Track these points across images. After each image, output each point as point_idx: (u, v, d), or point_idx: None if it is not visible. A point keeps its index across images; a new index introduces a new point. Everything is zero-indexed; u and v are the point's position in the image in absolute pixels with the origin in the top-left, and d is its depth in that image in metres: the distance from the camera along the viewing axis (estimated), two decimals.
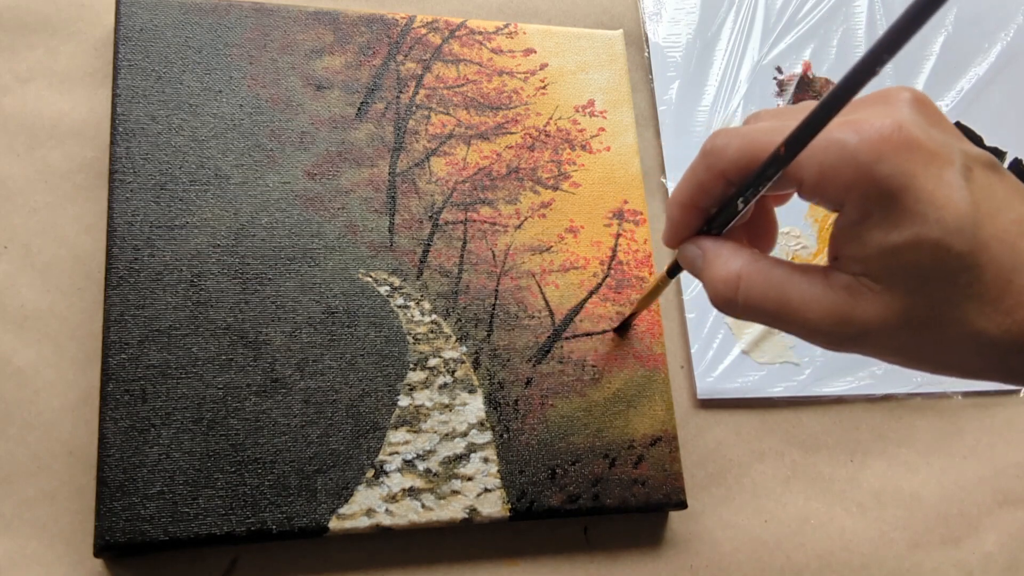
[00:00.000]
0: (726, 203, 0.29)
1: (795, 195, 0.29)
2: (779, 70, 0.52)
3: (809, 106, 0.27)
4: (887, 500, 0.45)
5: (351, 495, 0.36)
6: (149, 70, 0.40)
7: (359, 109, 0.42)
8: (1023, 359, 0.25)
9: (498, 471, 0.38)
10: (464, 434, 0.38)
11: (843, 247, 0.26)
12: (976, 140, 0.55)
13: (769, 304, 0.27)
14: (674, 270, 0.35)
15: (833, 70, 0.54)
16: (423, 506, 0.37)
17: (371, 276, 0.40)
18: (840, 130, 0.25)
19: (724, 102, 0.51)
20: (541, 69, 0.46)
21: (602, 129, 0.46)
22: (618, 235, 0.44)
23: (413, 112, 0.43)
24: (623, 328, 0.42)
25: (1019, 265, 0.25)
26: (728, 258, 0.28)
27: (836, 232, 0.27)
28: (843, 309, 0.26)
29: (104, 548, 0.33)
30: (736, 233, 0.31)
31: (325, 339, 0.38)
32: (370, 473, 0.37)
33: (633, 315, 0.42)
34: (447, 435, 0.38)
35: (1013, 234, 0.25)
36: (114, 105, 0.39)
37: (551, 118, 0.45)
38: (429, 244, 0.41)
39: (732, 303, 0.28)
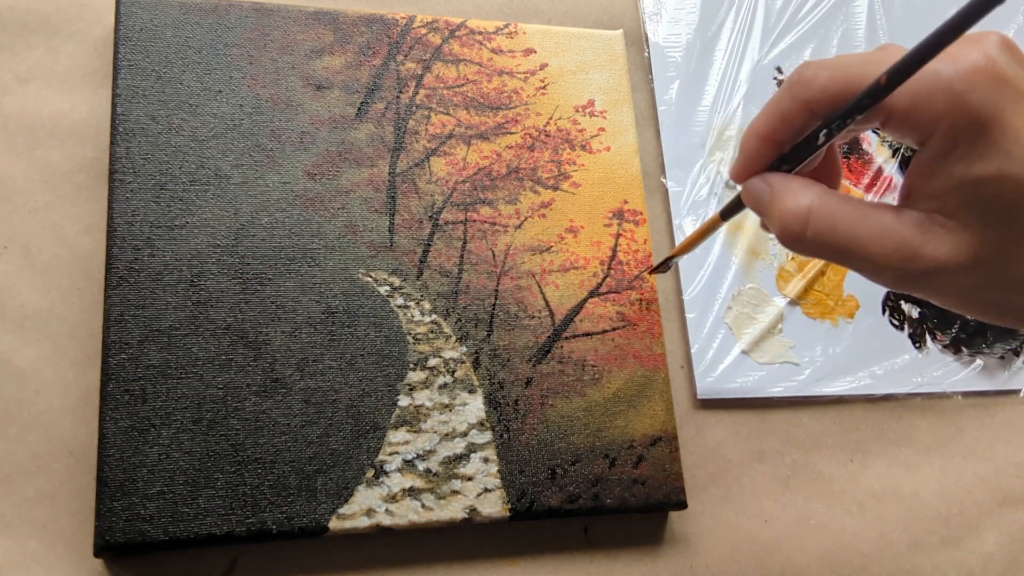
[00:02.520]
0: (805, 139, 0.28)
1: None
2: (779, 70, 0.52)
3: (890, 51, 0.27)
4: (887, 500, 0.45)
5: (351, 495, 0.36)
6: (149, 70, 0.40)
7: (359, 109, 0.42)
8: None
9: (498, 471, 0.38)
10: (464, 434, 0.38)
11: (920, 183, 0.26)
12: None
13: (838, 239, 0.27)
14: (730, 212, 0.34)
15: None
16: (423, 506, 0.37)
17: (371, 276, 0.40)
18: (933, 61, 0.25)
19: (724, 102, 0.51)
20: (541, 69, 0.46)
21: (602, 129, 0.46)
22: (618, 235, 0.44)
23: (413, 112, 0.43)
24: (660, 268, 0.42)
25: None
26: (798, 192, 0.28)
27: (914, 168, 0.27)
28: (912, 245, 0.26)
29: (104, 548, 0.33)
30: (802, 176, 0.30)
31: (325, 339, 0.38)
32: (370, 473, 0.37)
33: (673, 256, 0.41)
34: (447, 435, 0.38)
35: None
36: (114, 105, 0.39)
37: (551, 118, 0.45)
38: (429, 244, 0.41)
39: (800, 238, 0.28)
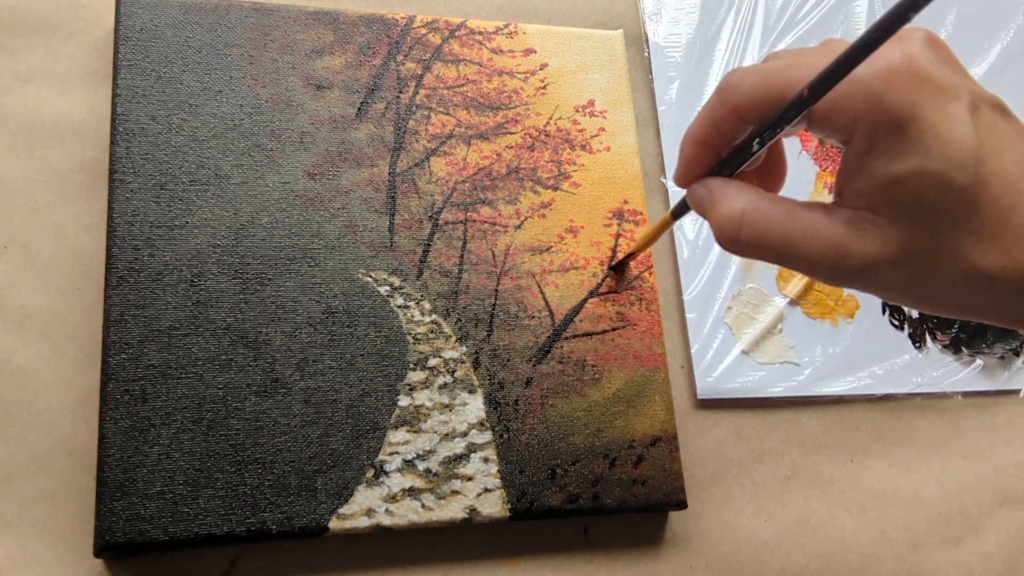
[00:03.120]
0: (740, 145, 0.29)
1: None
2: None
3: (831, 46, 0.27)
4: (887, 500, 0.45)
5: (351, 495, 0.36)
6: (149, 70, 0.40)
7: (359, 109, 0.42)
8: (1019, 299, 0.26)
9: (498, 471, 0.38)
10: (464, 434, 0.38)
11: (847, 182, 0.27)
12: None
13: (771, 240, 0.27)
14: (679, 211, 0.35)
15: None
16: (423, 506, 0.37)
17: (371, 276, 0.40)
18: None
19: None
20: (541, 69, 0.46)
21: (602, 129, 0.46)
22: (618, 235, 0.44)
23: (413, 112, 0.43)
24: (620, 267, 0.43)
25: (1018, 204, 0.25)
26: (733, 196, 0.29)
27: (842, 167, 0.27)
28: (843, 243, 0.26)
29: (104, 548, 0.33)
30: (746, 175, 0.31)
31: (325, 339, 0.38)
32: (370, 473, 0.37)
33: (631, 255, 0.42)
34: (447, 435, 0.38)
35: (1014, 174, 0.25)
36: (114, 105, 0.39)
37: (551, 118, 0.45)
38: (429, 244, 0.41)
39: (735, 240, 0.28)
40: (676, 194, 0.48)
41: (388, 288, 0.40)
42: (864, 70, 0.25)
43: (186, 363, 0.36)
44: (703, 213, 0.31)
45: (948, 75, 0.25)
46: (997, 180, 0.25)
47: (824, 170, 0.51)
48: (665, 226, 0.38)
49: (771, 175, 0.32)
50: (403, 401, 0.38)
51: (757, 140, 0.28)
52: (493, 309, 0.41)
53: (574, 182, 0.44)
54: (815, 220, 0.27)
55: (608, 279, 0.43)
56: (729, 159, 0.30)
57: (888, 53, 0.25)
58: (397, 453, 0.37)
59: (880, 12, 0.56)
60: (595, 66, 0.47)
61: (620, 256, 0.43)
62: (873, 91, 0.25)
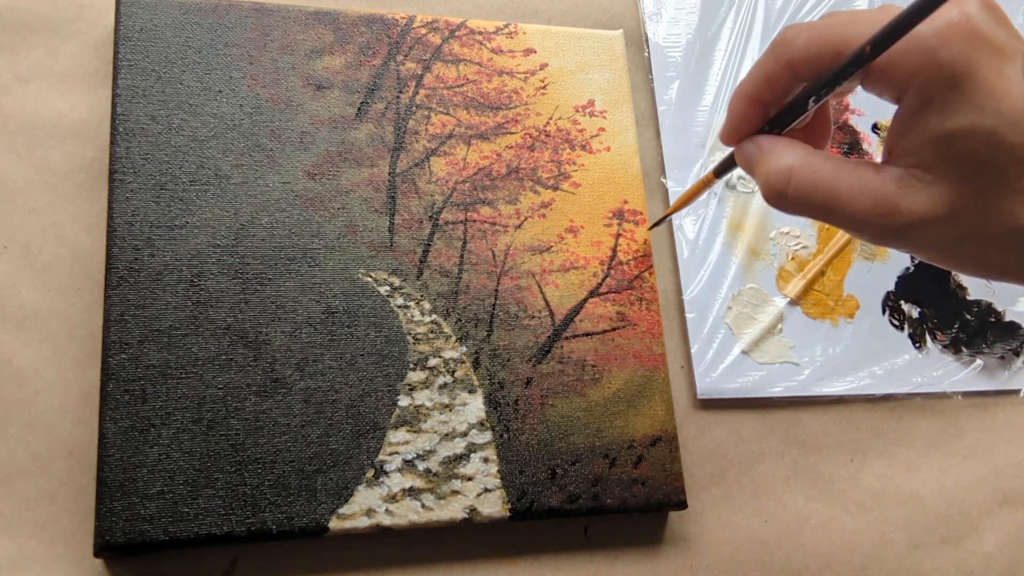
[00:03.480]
0: (792, 102, 0.29)
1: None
2: None
3: (887, 10, 0.27)
4: (887, 500, 0.45)
5: (351, 495, 0.36)
6: (149, 70, 0.40)
7: (359, 109, 0.42)
8: None
9: (498, 471, 0.38)
10: (464, 434, 0.38)
11: (898, 139, 0.27)
12: None
13: (818, 196, 0.27)
14: (723, 170, 0.35)
15: None
16: (423, 506, 0.37)
17: (371, 276, 0.40)
18: None
19: (724, 102, 0.50)
20: (541, 69, 0.46)
21: (602, 129, 0.46)
22: (618, 235, 0.44)
23: (413, 112, 0.43)
24: (657, 224, 0.44)
25: None
26: (782, 152, 0.29)
27: (893, 126, 0.27)
28: (891, 200, 0.26)
29: (104, 548, 0.33)
30: (793, 134, 0.31)
31: (325, 339, 0.38)
32: (370, 473, 0.37)
33: (670, 213, 0.43)
34: (447, 435, 0.38)
35: None
36: (114, 105, 0.39)
37: (551, 118, 0.45)
38: (429, 244, 0.41)
39: (783, 196, 0.28)
40: (676, 195, 0.48)
41: (388, 288, 0.40)
42: (922, 26, 0.25)
43: (186, 363, 0.36)
44: (750, 170, 0.31)
45: (1002, 35, 0.25)
46: None
47: None
48: (707, 184, 0.38)
49: (816, 133, 0.32)
50: (403, 401, 0.38)
51: (813, 98, 0.28)
52: (493, 309, 0.41)
53: (574, 182, 0.44)
54: (864, 176, 0.27)
55: (608, 279, 0.43)
56: (780, 116, 0.30)
57: (945, 11, 0.25)
58: (397, 453, 0.37)
59: None
60: (595, 66, 0.47)
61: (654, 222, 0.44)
62: (930, 46, 0.25)
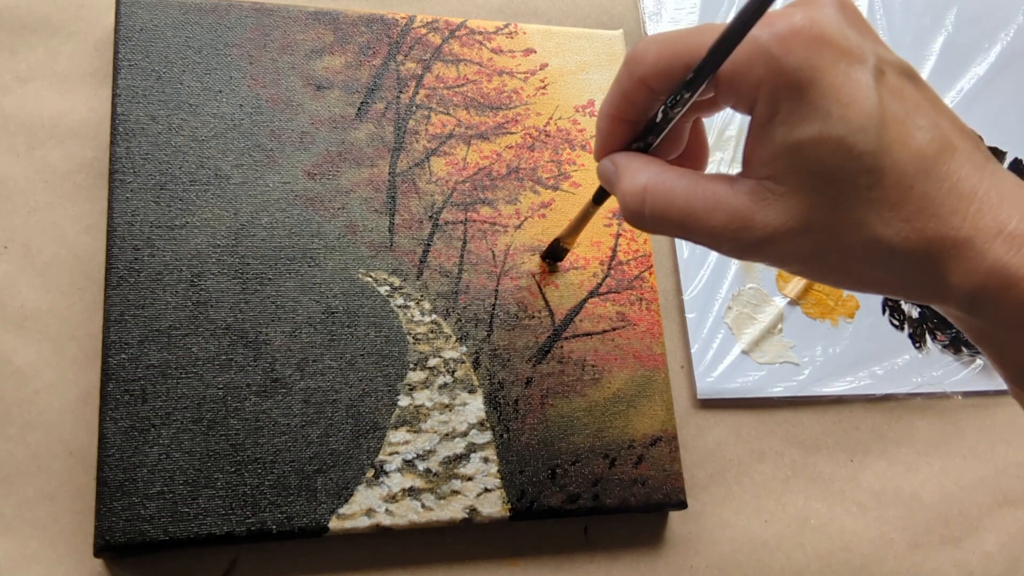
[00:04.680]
0: (652, 119, 0.29)
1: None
2: None
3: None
4: (887, 500, 0.45)
5: (351, 495, 0.36)
6: (149, 70, 0.40)
7: (359, 109, 0.42)
8: (922, 271, 0.25)
9: (498, 471, 0.38)
10: (464, 434, 0.38)
11: (752, 151, 0.26)
12: None
13: (673, 214, 0.27)
14: (600, 196, 0.34)
15: None
16: (423, 506, 0.37)
17: (371, 276, 0.40)
18: (754, 27, 0.24)
19: None
20: (541, 69, 0.46)
21: None
22: (618, 235, 0.44)
23: (413, 112, 0.43)
24: (551, 255, 0.41)
25: (922, 172, 0.24)
26: (637, 171, 0.28)
27: (748, 137, 0.26)
28: (745, 214, 0.26)
29: (104, 548, 0.33)
30: (670, 159, 0.30)
31: (325, 339, 0.38)
32: (370, 473, 0.37)
33: (557, 241, 0.41)
34: (447, 435, 0.38)
35: (919, 140, 0.24)
36: (114, 105, 0.39)
37: (551, 118, 0.45)
38: (429, 244, 0.41)
39: (640, 215, 0.28)
40: None
41: (388, 288, 0.40)
42: (765, 33, 0.24)
43: (186, 363, 0.36)
44: (610, 188, 0.30)
45: (853, 37, 0.25)
46: (900, 146, 0.24)
47: None
48: (588, 213, 0.37)
49: (694, 157, 0.31)
50: (403, 401, 0.38)
51: (662, 111, 0.27)
52: (493, 309, 0.41)
53: (574, 182, 0.44)
54: (718, 191, 0.26)
55: (608, 279, 0.43)
56: (640, 133, 0.29)
57: (790, 15, 0.24)
58: (397, 453, 0.37)
59: (879, 14, 0.56)
60: (595, 66, 0.47)
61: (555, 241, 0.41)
62: (773, 54, 0.24)
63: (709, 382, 0.45)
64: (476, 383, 0.39)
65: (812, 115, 0.24)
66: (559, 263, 0.42)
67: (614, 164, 0.30)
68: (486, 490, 0.38)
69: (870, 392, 0.47)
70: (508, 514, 0.37)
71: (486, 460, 0.38)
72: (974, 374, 0.49)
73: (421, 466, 0.37)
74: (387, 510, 0.36)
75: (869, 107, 0.24)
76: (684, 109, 0.27)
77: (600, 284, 0.43)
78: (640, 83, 0.28)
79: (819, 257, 0.26)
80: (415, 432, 0.38)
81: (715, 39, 0.25)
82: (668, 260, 0.47)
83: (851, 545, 0.44)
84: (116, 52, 0.39)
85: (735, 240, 0.26)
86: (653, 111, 0.29)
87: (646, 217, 0.28)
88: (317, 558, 0.37)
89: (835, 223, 0.25)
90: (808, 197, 0.25)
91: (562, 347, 0.41)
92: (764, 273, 0.48)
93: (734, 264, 0.47)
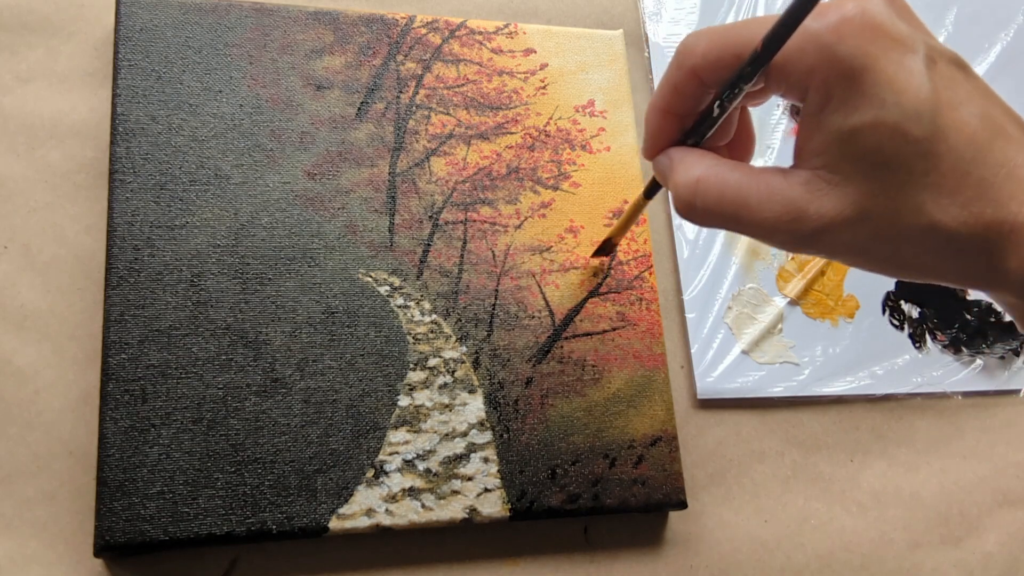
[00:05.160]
0: (704, 112, 0.29)
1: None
2: None
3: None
4: (887, 500, 0.45)
5: (351, 495, 0.36)
6: (149, 70, 0.40)
7: (359, 109, 0.42)
8: (979, 257, 0.25)
9: (498, 471, 0.38)
10: (464, 434, 0.38)
11: (805, 141, 0.26)
12: None
13: (727, 206, 0.27)
14: (651, 190, 0.34)
15: None
16: (423, 506, 0.37)
17: (371, 276, 0.40)
18: (808, 17, 0.24)
19: None
20: (541, 69, 0.46)
21: (602, 129, 0.46)
22: None
23: (413, 112, 0.43)
24: (601, 252, 0.42)
25: (978, 158, 0.24)
26: (691, 164, 0.28)
27: (800, 127, 0.26)
28: (799, 205, 0.25)
29: (104, 548, 0.33)
30: (718, 149, 0.30)
31: (325, 339, 0.38)
32: (370, 473, 0.37)
33: (609, 239, 0.41)
34: (447, 435, 0.38)
35: (973, 127, 0.24)
36: (114, 105, 0.39)
37: (551, 118, 0.45)
38: (429, 244, 0.41)
39: (692, 207, 0.28)
40: None
41: (388, 288, 0.40)
42: (817, 22, 0.24)
43: (186, 363, 0.36)
44: (665, 183, 0.30)
45: (903, 27, 0.25)
46: (955, 132, 0.24)
47: None
48: (639, 207, 0.37)
49: (741, 146, 0.31)
50: (403, 401, 0.38)
51: (718, 103, 0.27)
52: (493, 309, 0.41)
53: (574, 182, 0.44)
54: (772, 183, 0.26)
55: (608, 279, 0.43)
56: (694, 127, 0.29)
57: (841, 5, 0.25)
58: (397, 453, 0.37)
59: None
60: (595, 66, 0.47)
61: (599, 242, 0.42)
62: (825, 43, 0.24)
63: (709, 382, 0.45)
64: (476, 383, 0.39)
65: (866, 102, 0.24)
66: (611, 255, 0.43)
67: (669, 158, 0.29)
68: (486, 490, 0.38)
69: (870, 392, 0.47)
70: (508, 514, 0.37)
71: (486, 460, 0.38)
72: (974, 374, 0.49)
73: (421, 466, 0.37)
74: (387, 510, 0.36)
75: (923, 94, 0.24)
76: (739, 99, 0.27)
77: (600, 284, 0.43)
78: (691, 75, 0.28)
79: (875, 246, 0.26)
80: (415, 432, 0.38)
81: (768, 28, 0.25)
82: (668, 260, 0.47)
83: (851, 545, 0.44)
84: (116, 52, 0.39)
85: (789, 232, 0.26)
86: (702, 104, 0.29)
87: (697, 208, 0.27)
88: (317, 558, 0.37)
89: (892, 210, 0.25)
90: (863, 185, 0.25)
91: (562, 347, 0.41)
92: (764, 273, 0.48)
93: (734, 264, 0.47)
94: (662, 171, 0.30)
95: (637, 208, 0.38)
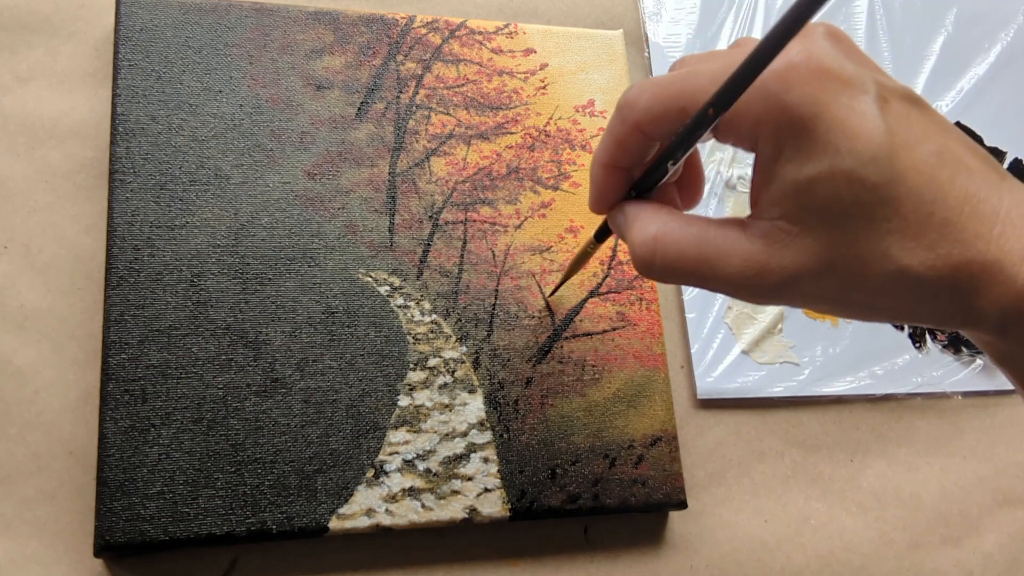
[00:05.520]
0: (652, 165, 0.28)
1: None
2: None
3: (742, 46, 0.26)
4: (887, 500, 0.45)
5: (351, 495, 0.36)
6: (149, 70, 0.40)
7: (359, 109, 0.42)
8: (951, 298, 0.24)
9: (498, 471, 0.38)
10: (464, 434, 0.38)
11: (760, 191, 0.25)
12: (976, 140, 0.55)
13: (686, 263, 0.26)
14: (602, 234, 0.34)
15: None
16: (423, 506, 0.37)
17: (371, 276, 0.40)
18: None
19: None
20: (541, 69, 0.46)
21: (602, 129, 0.46)
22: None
23: (413, 112, 0.43)
24: (553, 292, 0.42)
25: (939, 197, 0.24)
26: (646, 221, 0.27)
27: (753, 178, 0.26)
28: (759, 260, 0.25)
29: (104, 548, 0.33)
30: (665, 189, 0.30)
31: (325, 339, 0.38)
32: (370, 473, 0.37)
33: (561, 283, 0.41)
34: (447, 435, 0.38)
35: (932, 165, 0.24)
36: (114, 105, 0.39)
37: (551, 118, 0.45)
38: (429, 244, 0.41)
39: (651, 265, 0.27)
40: None
41: (388, 288, 0.40)
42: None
43: (186, 363, 0.36)
44: (622, 237, 0.29)
45: (851, 68, 0.24)
46: (914, 173, 0.23)
47: None
48: (590, 251, 0.37)
49: (691, 185, 0.31)
50: (403, 401, 0.38)
51: (671, 161, 0.27)
52: (493, 309, 0.41)
53: (574, 182, 0.44)
54: (729, 237, 0.26)
55: (608, 279, 0.43)
56: (642, 180, 0.29)
57: (787, 51, 0.24)
58: (397, 453, 0.37)
59: (879, 14, 0.56)
60: (595, 66, 0.47)
61: (552, 287, 0.42)
62: (773, 91, 0.24)
63: (709, 382, 0.45)
64: (476, 383, 0.39)
65: (819, 151, 0.23)
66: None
67: (624, 215, 0.29)
68: (486, 490, 0.38)
69: (870, 392, 0.47)
70: (508, 514, 0.37)
71: (486, 460, 0.38)
72: (974, 374, 0.49)
73: (421, 466, 0.37)
74: (387, 510, 0.36)
75: (877, 137, 0.23)
76: (685, 156, 0.27)
77: (600, 284, 0.43)
78: (634, 128, 0.27)
79: (844, 295, 0.25)
80: (415, 432, 0.38)
81: (711, 80, 0.24)
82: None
83: (851, 545, 0.44)
84: (116, 52, 0.39)
85: (752, 287, 0.25)
86: (647, 156, 0.28)
87: (656, 267, 0.27)
88: (317, 558, 0.37)
89: (857, 259, 0.24)
90: (824, 235, 0.24)
91: (562, 347, 0.41)
92: None
93: None
94: (618, 227, 0.30)
95: (587, 252, 0.37)
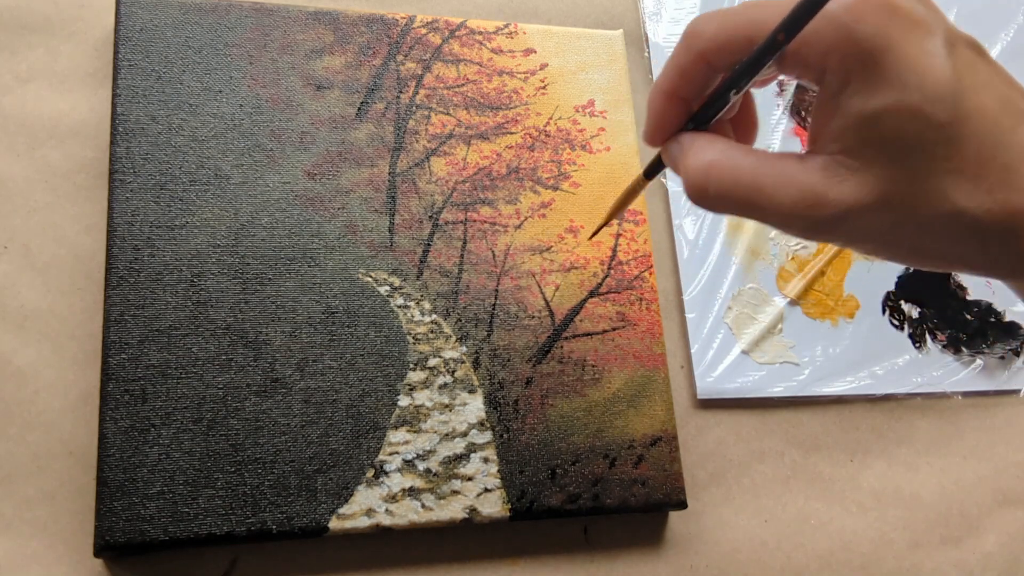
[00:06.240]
0: (713, 95, 0.28)
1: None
2: None
3: None
4: (887, 500, 0.45)
5: (351, 495, 0.36)
6: (149, 70, 0.40)
7: (359, 109, 0.42)
8: (1004, 245, 0.24)
9: (498, 471, 0.38)
10: (464, 434, 0.38)
11: (821, 125, 0.25)
12: None
13: (740, 191, 0.26)
14: (652, 170, 0.34)
15: None
16: (423, 506, 0.37)
17: (371, 276, 0.40)
18: None
19: None
20: (541, 69, 0.46)
21: (602, 129, 0.46)
22: (618, 235, 0.44)
23: (413, 112, 0.43)
24: (595, 234, 0.41)
25: (1001, 143, 0.24)
26: (702, 148, 0.27)
27: (815, 111, 0.26)
28: (818, 190, 0.25)
29: (104, 548, 0.33)
30: (719, 128, 0.30)
31: (325, 339, 0.38)
32: (370, 473, 0.37)
33: (608, 219, 0.41)
34: (447, 435, 0.38)
35: (996, 111, 0.24)
36: (114, 105, 0.39)
37: (551, 118, 0.45)
38: (429, 244, 0.41)
39: (704, 192, 0.27)
40: (676, 195, 0.48)
41: (388, 288, 0.40)
42: (833, 2, 0.24)
43: (186, 363, 0.36)
44: (675, 169, 0.29)
45: (921, 10, 0.24)
46: (978, 117, 0.23)
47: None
48: (638, 188, 0.36)
49: (743, 127, 0.30)
50: (403, 401, 0.38)
51: (733, 90, 0.27)
52: (493, 309, 0.41)
53: (574, 182, 0.44)
54: (787, 168, 0.25)
55: (608, 279, 0.43)
56: (701, 111, 0.29)
57: None
58: (397, 453, 0.37)
59: None
60: (595, 66, 0.47)
61: (595, 227, 0.41)
62: (843, 23, 0.23)
63: (709, 382, 0.45)
64: (476, 383, 0.39)
65: (887, 84, 0.23)
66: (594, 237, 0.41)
67: (680, 144, 0.29)
68: (486, 490, 0.38)
69: (870, 392, 0.47)
70: (508, 514, 0.37)
71: (486, 460, 0.38)
72: (974, 374, 0.49)
73: (421, 466, 0.37)
74: (387, 510, 0.36)
75: (945, 76, 0.23)
76: (750, 85, 0.27)
77: (600, 284, 0.43)
78: (699, 58, 0.27)
79: (897, 233, 0.25)
80: (415, 432, 0.38)
81: (781, 11, 0.24)
82: (668, 260, 0.47)
83: (851, 545, 0.44)
84: (116, 52, 0.39)
85: (807, 218, 0.25)
86: (709, 88, 0.28)
87: (710, 194, 0.26)
88: (317, 558, 0.37)
89: (914, 196, 0.24)
90: (884, 170, 0.24)
91: (562, 347, 0.41)
92: (764, 273, 0.48)
93: (734, 264, 0.47)
94: (672, 157, 0.29)
95: (636, 188, 0.37)
